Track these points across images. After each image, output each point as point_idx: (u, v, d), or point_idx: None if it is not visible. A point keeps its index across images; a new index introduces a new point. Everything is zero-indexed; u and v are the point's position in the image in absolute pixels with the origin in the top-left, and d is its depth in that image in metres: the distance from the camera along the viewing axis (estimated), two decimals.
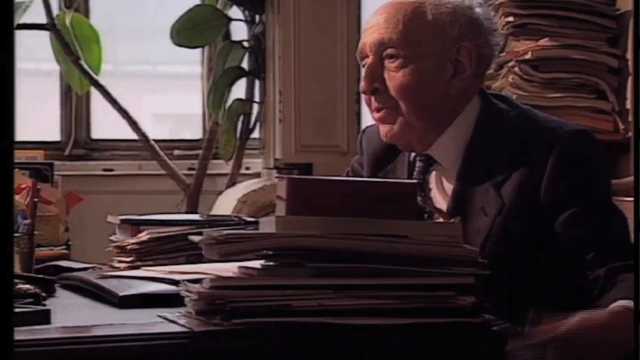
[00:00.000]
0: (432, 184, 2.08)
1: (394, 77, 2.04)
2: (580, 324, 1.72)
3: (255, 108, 4.60)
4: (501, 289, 1.72)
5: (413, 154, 2.12)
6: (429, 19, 2.03)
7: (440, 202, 2.06)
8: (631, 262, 1.76)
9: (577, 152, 1.98)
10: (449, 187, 2.06)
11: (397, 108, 2.04)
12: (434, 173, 2.09)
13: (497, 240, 1.96)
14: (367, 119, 2.24)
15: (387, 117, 2.06)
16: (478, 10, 2.07)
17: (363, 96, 2.12)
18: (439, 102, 2.05)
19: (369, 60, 2.07)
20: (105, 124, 4.68)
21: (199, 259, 1.91)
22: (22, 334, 1.47)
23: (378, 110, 2.07)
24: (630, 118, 3.73)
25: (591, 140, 2.03)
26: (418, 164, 2.10)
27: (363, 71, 2.10)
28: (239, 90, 4.57)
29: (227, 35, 4.56)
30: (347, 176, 2.28)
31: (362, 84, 2.08)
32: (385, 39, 2.04)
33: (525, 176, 1.97)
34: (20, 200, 2.23)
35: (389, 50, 2.04)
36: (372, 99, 2.07)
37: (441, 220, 2.02)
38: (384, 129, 2.08)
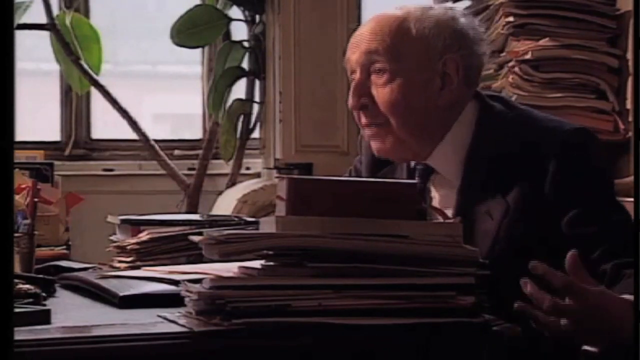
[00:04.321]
0: (433, 190, 2.08)
1: (382, 92, 2.02)
2: (601, 290, 1.73)
3: (255, 108, 4.60)
4: (510, 291, 1.72)
5: (413, 162, 2.12)
6: (413, 33, 2.02)
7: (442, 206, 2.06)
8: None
9: (579, 151, 1.98)
10: (450, 191, 2.05)
11: (388, 124, 2.03)
12: (434, 178, 2.08)
13: (504, 244, 1.95)
14: None
15: (378, 133, 2.05)
16: (462, 20, 2.06)
17: (353, 112, 2.10)
18: (428, 116, 2.03)
19: (356, 76, 2.06)
20: (105, 124, 4.68)
21: (199, 259, 1.91)
22: (22, 334, 1.47)
23: (368, 125, 2.06)
24: (630, 118, 3.72)
25: (591, 138, 2.04)
26: (419, 168, 2.10)
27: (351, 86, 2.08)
28: (239, 90, 4.57)
29: (227, 35, 4.56)
30: (350, 176, 2.27)
31: (349, 100, 2.06)
32: (371, 49, 2.02)
33: (528, 178, 1.97)
34: (20, 200, 2.23)
35: (377, 65, 2.02)
36: (362, 114, 2.06)
37: (441, 220, 2.02)
38: (375, 144, 2.07)
